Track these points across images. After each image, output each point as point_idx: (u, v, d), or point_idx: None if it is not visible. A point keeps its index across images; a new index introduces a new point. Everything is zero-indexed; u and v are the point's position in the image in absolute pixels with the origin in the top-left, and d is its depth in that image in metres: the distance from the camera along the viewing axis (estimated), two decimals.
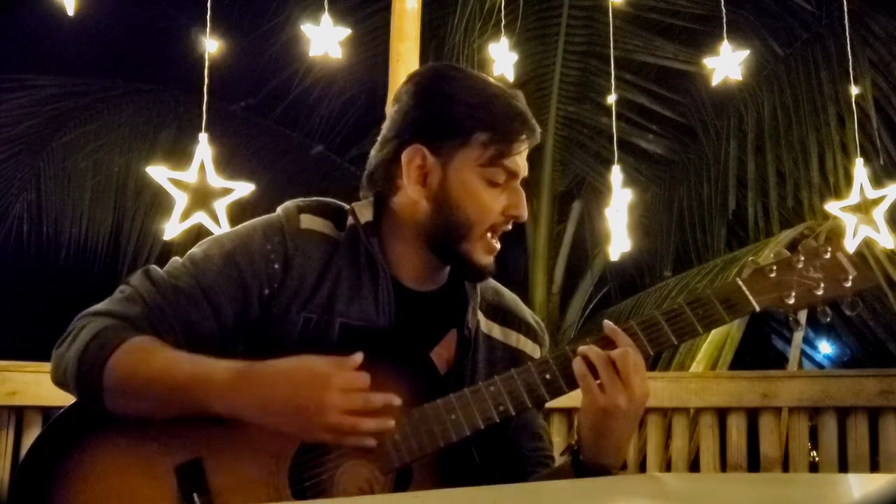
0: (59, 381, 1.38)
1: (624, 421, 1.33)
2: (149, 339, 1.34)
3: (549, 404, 1.40)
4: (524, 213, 1.45)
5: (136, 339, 1.33)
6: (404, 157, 1.44)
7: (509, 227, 1.47)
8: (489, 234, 1.44)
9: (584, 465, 1.39)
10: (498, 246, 1.47)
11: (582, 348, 1.34)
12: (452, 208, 1.42)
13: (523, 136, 1.44)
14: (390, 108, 1.53)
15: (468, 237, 1.43)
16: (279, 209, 1.48)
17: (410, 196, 1.45)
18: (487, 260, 1.46)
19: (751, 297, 1.37)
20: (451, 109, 1.43)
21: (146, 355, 1.32)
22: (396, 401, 1.29)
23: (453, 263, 1.49)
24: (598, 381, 1.32)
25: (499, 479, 1.26)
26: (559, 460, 1.52)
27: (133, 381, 1.30)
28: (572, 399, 1.39)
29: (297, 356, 1.29)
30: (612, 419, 1.32)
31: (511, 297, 1.62)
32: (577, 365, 1.33)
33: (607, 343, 1.35)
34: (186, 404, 1.29)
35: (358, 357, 1.28)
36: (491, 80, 1.53)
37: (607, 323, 1.38)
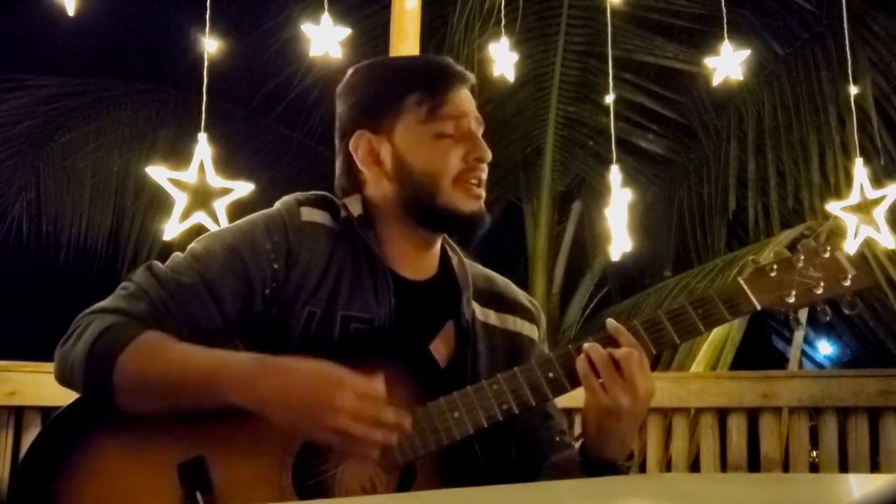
0: (65, 379, 1.36)
1: (627, 420, 1.33)
2: (158, 334, 1.33)
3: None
4: (486, 154, 1.46)
5: (145, 334, 1.31)
6: (351, 147, 1.49)
7: (482, 174, 1.47)
8: (462, 183, 1.44)
9: (590, 460, 1.39)
10: (481, 192, 1.47)
11: (585, 346, 1.34)
12: (412, 172, 1.45)
13: (450, 83, 1.47)
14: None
15: (438, 191, 1.43)
16: (278, 203, 1.48)
17: (374, 182, 1.48)
18: (473, 206, 1.45)
19: (752, 297, 1.38)
20: (375, 89, 1.50)
21: (159, 350, 1.30)
22: (408, 422, 1.27)
23: (444, 224, 1.48)
24: (600, 381, 1.31)
25: (505, 474, 1.26)
26: (566, 454, 1.51)
27: (146, 377, 1.29)
28: (573, 399, 1.39)
29: (316, 360, 1.26)
30: (615, 418, 1.32)
31: (502, 281, 1.63)
32: (581, 364, 1.32)
33: (610, 342, 1.34)
34: (203, 397, 1.27)
35: (379, 382, 1.25)
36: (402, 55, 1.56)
37: (610, 321, 1.37)
